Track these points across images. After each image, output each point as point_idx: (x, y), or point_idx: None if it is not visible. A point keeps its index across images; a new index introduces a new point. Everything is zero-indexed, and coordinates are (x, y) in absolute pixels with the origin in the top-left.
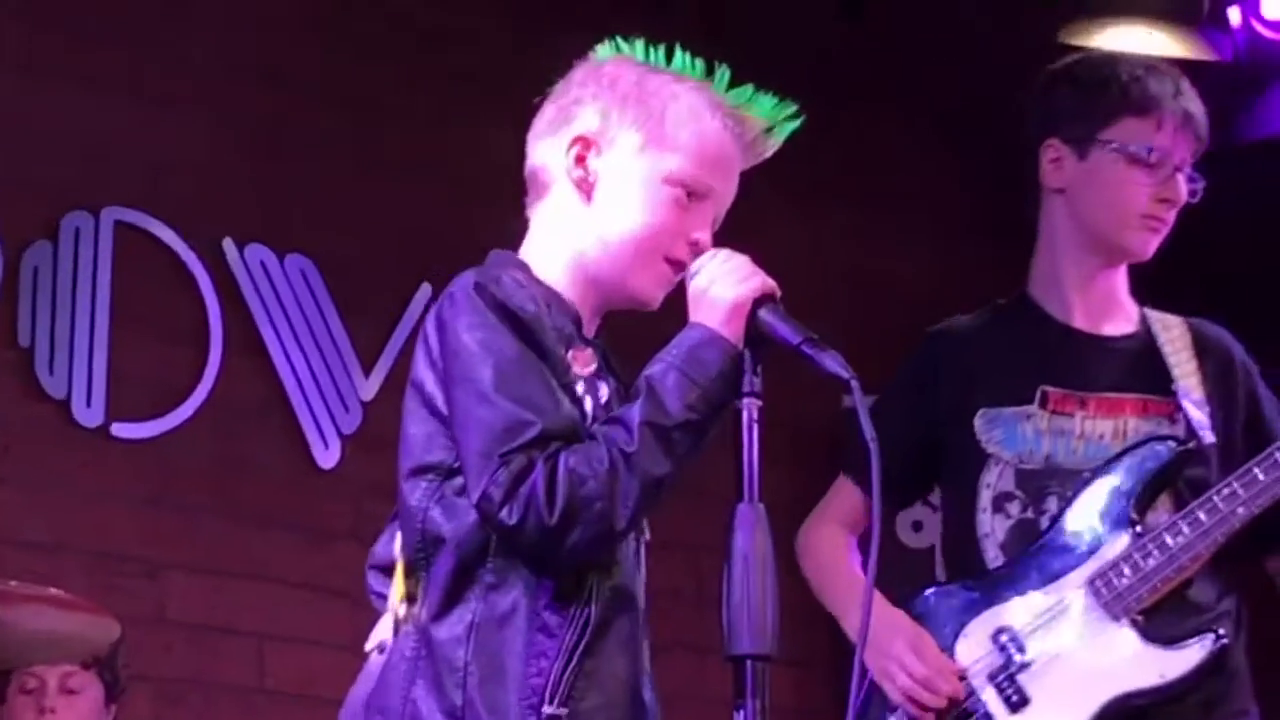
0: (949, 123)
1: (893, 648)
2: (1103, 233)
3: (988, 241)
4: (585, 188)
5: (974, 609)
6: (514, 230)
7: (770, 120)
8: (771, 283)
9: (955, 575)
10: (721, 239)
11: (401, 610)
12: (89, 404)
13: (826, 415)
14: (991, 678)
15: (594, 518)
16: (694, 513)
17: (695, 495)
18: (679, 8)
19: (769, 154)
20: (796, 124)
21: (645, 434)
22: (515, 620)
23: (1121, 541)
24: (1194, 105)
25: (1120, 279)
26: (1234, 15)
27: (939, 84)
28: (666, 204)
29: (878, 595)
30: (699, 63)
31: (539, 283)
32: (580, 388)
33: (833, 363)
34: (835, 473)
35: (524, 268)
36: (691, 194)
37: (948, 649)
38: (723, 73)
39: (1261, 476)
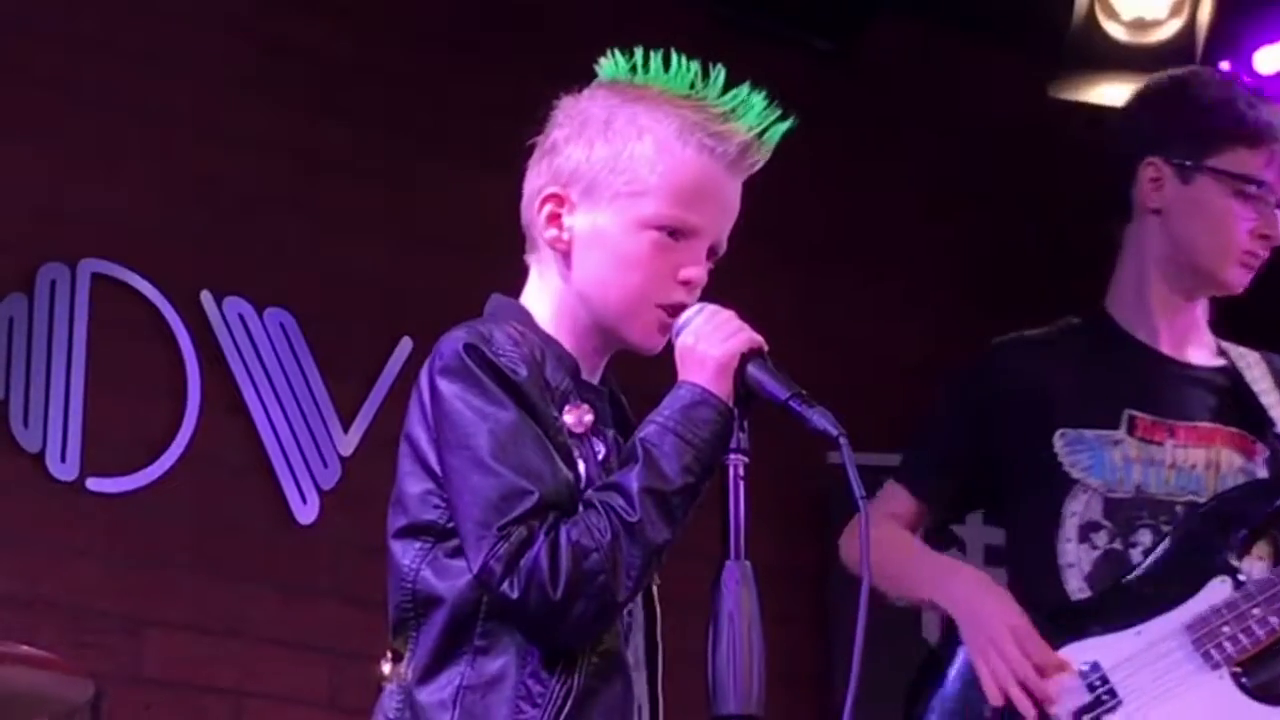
0: (940, 183)
1: (996, 629)
2: (1199, 261)
3: (979, 303)
4: (562, 246)
5: (1056, 640)
6: (494, 283)
7: (759, 125)
8: (757, 337)
9: (1028, 603)
10: (708, 295)
11: (386, 668)
12: (64, 458)
13: (813, 472)
14: (1076, 716)
15: (597, 590)
16: (679, 569)
17: (680, 552)
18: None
19: (763, 161)
20: (787, 125)
21: (646, 502)
22: (501, 687)
23: (1222, 587)
24: None
25: (1203, 308)
26: (1224, 69)
27: (931, 143)
28: (647, 251)
29: (975, 571)
30: (693, 65)
31: (538, 331)
32: (575, 449)
33: (821, 419)
34: (820, 531)
35: (523, 316)
36: (674, 233)
37: None
38: (717, 74)
39: None
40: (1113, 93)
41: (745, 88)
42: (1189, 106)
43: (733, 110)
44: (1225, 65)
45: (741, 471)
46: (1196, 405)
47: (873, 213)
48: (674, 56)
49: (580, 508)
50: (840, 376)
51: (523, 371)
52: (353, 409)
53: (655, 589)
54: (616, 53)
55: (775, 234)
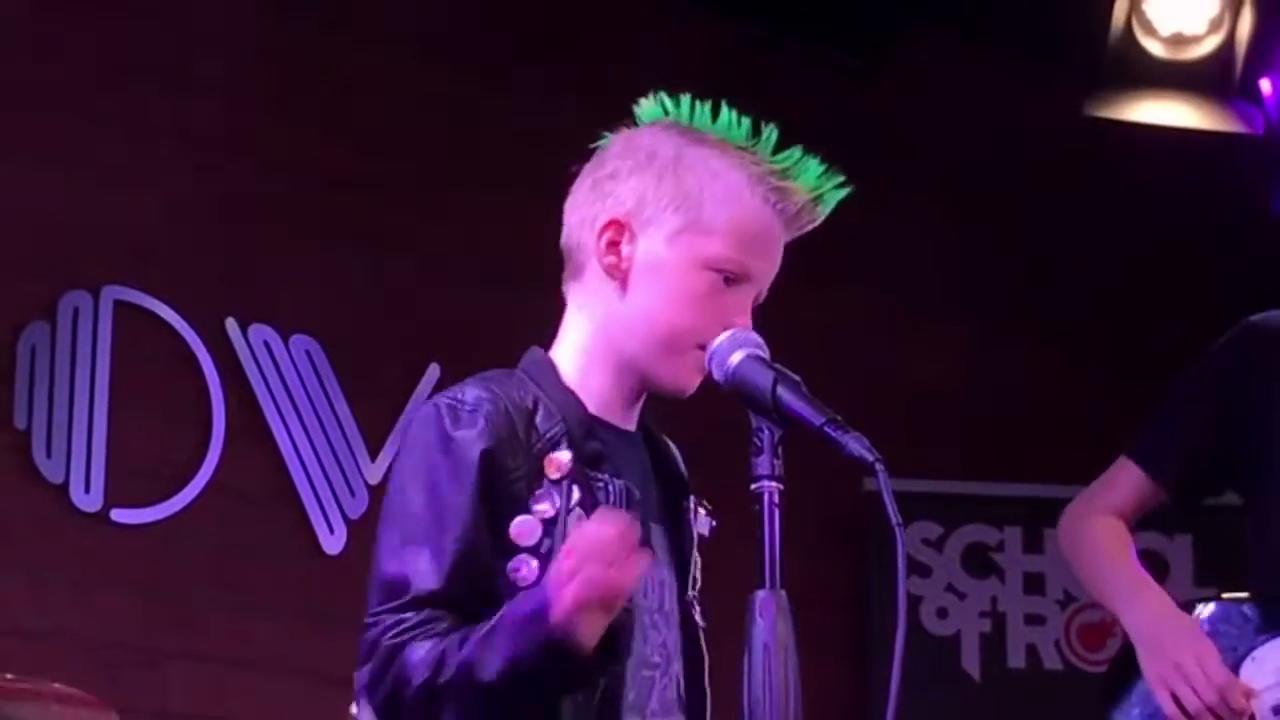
0: (972, 202)
1: (1180, 654)
2: None
3: (1012, 325)
4: (618, 275)
5: (1269, 631)
6: (522, 311)
7: (816, 189)
8: (595, 590)
9: (1262, 590)
10: None
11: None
12: (88, 489)
13: (848, 499)
14: (1275, 711)
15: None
16: (713, 600)
17: (712, 580)
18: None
19: (816, 223)
20: (845, 192)
21: (461, 676)
22: None
23: None
24: None
25: None
26: (1265, 87)
27: (963, 162)
28: (702, 291)
29: (1165, 598)
30: (745, 121)
31: (553, 381)
32: (541, 494)
33: (857, 445)
34: (855, 558)
35: (543, 366)
36: (729, 278)
37: (1231, 669)
38: (769, 133)
39: None
40: (1151, 110)
41: (798, 150)
42: None
43: (791, 169)
44: (1265, 83)
45: (776, 499)
46: None
47: (903, 232)
48: (723, 108)
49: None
50: (869, 401)
51: (480, 424)
52: (380, 437)
53: (701, 635)
54: (663, 96)
55: (801, 254)
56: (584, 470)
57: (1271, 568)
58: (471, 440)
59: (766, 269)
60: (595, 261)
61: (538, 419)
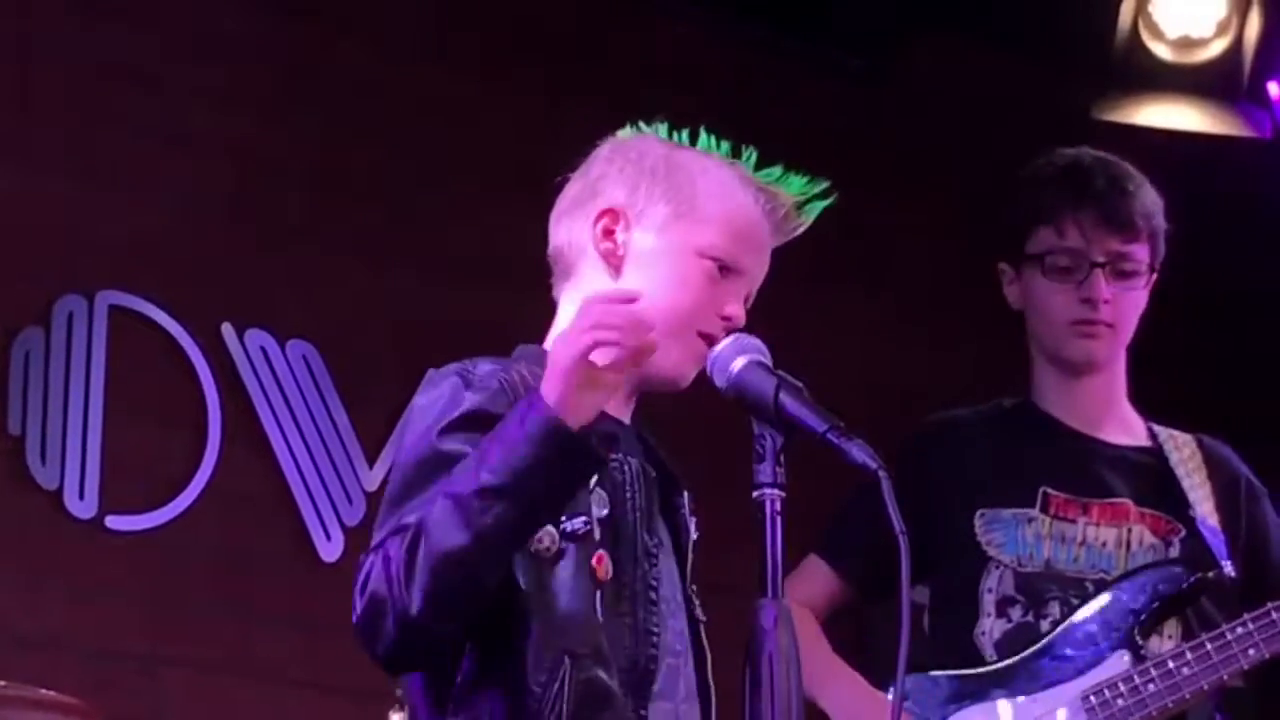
0: (978, 207)
1: None
2: (1046, 348)
3: (1015, 330)
4: (614, 261)
5: (959, 701)
6: (521, 315)
7: (801, 197)
8: (591, 340)
9: (943, 667)
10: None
11: (396, 718)
12: (82, 495)
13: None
14: None
15: (388, 607)
16: (715, 606)
17: (715, 588)
18: (692, 90)
19: (800, 231)
20: (828, 202)
21: (443, 508)
22: None
23: (1122, 660)
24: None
25: (1114, 383)
26: (1273, 90)
27: (967, 165)
28: (698, 277)
29: (859, 679)
30: (724, 144)
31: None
32: None
33: (860, 452)
34: None
35: (540, 355)
36: (724, 268)
37: None
38: (750, 153)
39: (1279, 620)
40: (1158, 114)
41: (779, 169)
42: (1008, 206)
43: (778, 180)
44: (1273, 86)
45: (778, 507)
46: (1112, 483)
47: (905, 234)
48: (702, 133)
49: None
50: (870, 407)
51: (494, 385)
52: (378, 444)
53: (701, 628)
54: (641, 125)
55: (803, 256)
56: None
57: (946, 650)
58: (483, 403)
59: (756, 267)
60: (590, 253)
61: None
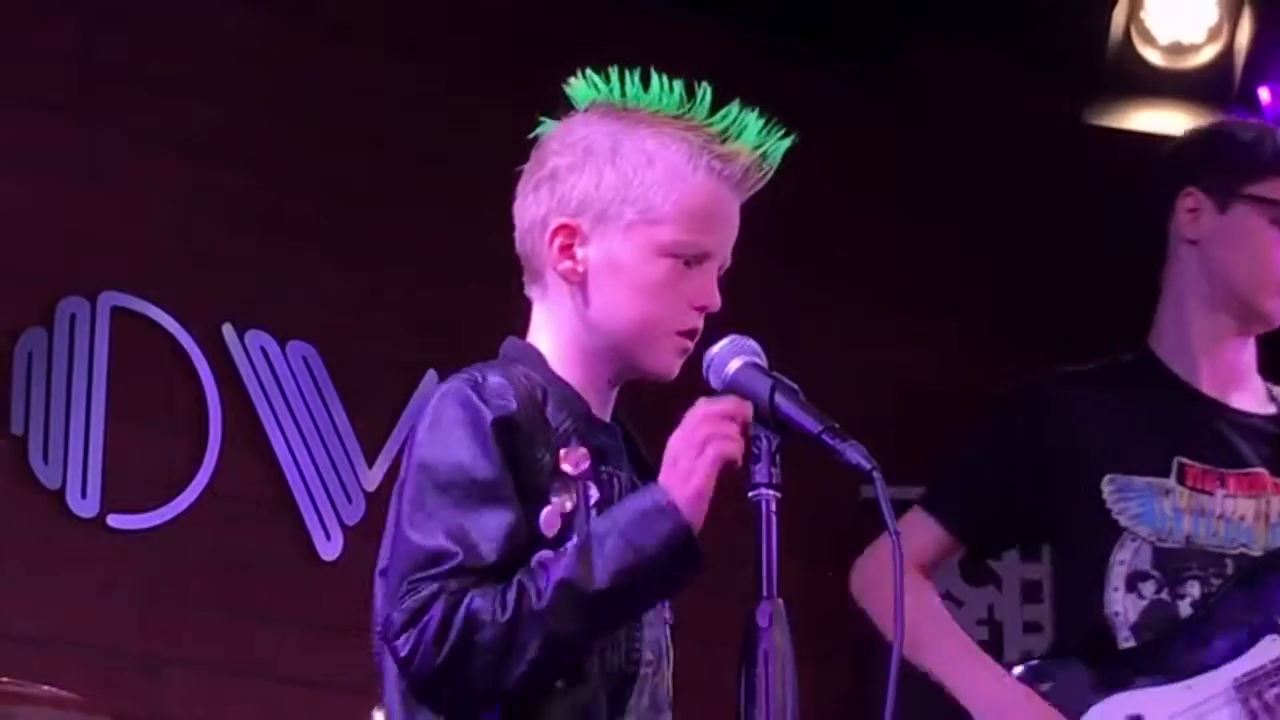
0: (972, 208)
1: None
2: (1237, 292)
3: (1010, 332)
4: (575, 279)
5: (1102, 690)
6: (520, 316)
7: (758, 145)
8: (736, 449)
9: (1072, 650)
10: (725, 313)
11: (379, 716)
12: (84, 494)
13: (845, 507)
14: None
15: (481, 669)
16: (710, 606)
17: (710, 589)
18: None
19: (765, 180)
20: (787, 143)
21: (559, 594)
22: None
23: (1272, 646)
24: None
25: (1250, 349)
26: (1264, 95)
27: (962, 168)
28: (664, 279)
29: (997, 667)
30: (677, 86)
31: (547, 373)
32: (561, 491)
33: (854, 453)
34: (853, 567)
35: (535, 357)
36: (689, 259)
37: None
38: (703, 93)
39: None
40: (1149, 119)
41: (735, 106)
42: (1228, 138)
43: (729, 129)
44: (1264, 91)
45: (774, 507)
46: (1246, 453)
47: (901, 238)
48: (654, 76)
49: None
50: (867, 407)
51: (513, 405)
52: (377, 443)
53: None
54: (590, 73)
55: (799, 260)
56: (597, 466)
57: (1074, 630)
58: (501, 415)
59: (723, 241)
60: (552, 268)
61: (548, 411)
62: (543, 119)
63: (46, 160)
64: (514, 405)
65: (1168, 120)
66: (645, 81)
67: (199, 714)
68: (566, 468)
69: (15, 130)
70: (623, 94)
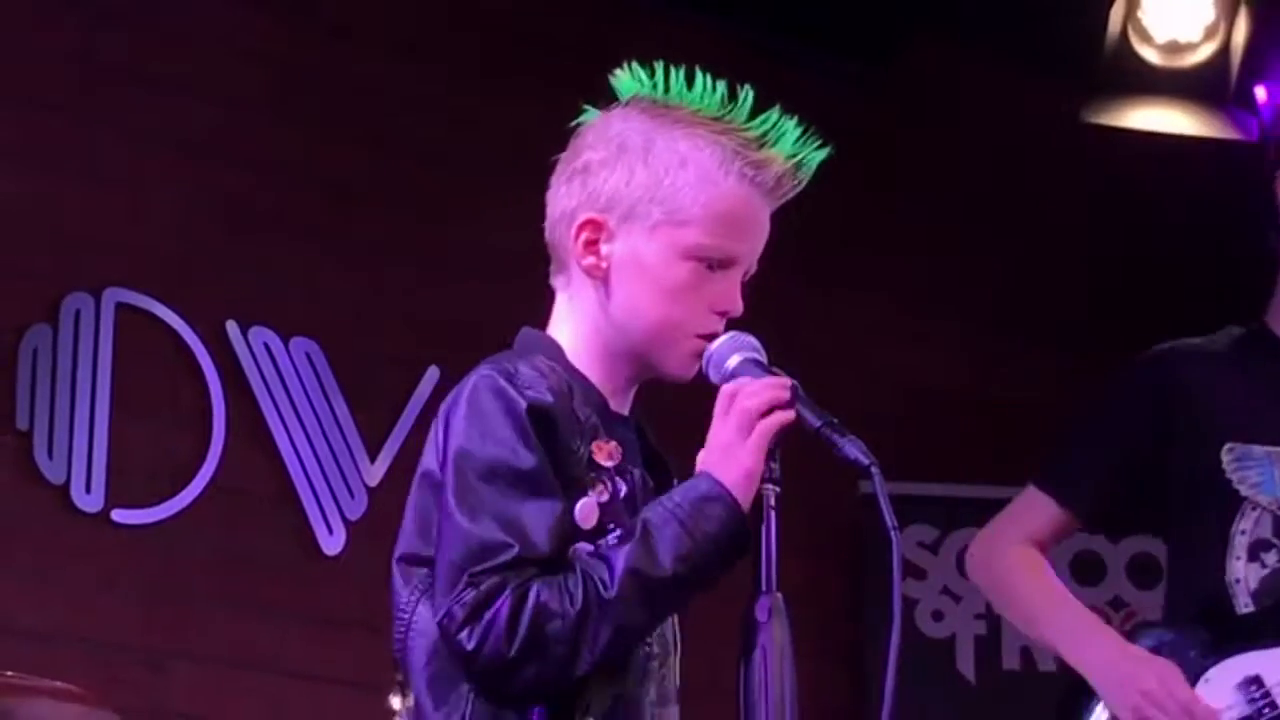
0: (972, 207)
1: (1145, 681)
2: None
3: (1010, 330)
4: (598, 274)
5: (1217, 653)
6: (522, 312)
7: (794, 154)
8: (785, 417)
9: (1188, 617)
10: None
11: (395, 702)
12: (89, 489)
13: (845, 502)
14: None
15: (553, 660)
16: (709, 602)
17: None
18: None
19: (799, 188)
20: (823, 154)
21: (628, 583)
22: None
23: None
24: None
25: None
26: (1260, 94)
27: (963, 168)
28: (687, 281)
29: (1115, 635)
30: (720, 86)
31: (567, 365)
32: (598, 483)
33: (853, 448)
34: (852, 562)
35: (553, 349)
36: (713, 265)
37: None
38: (745, 96)
39: None
40: (1146, 117)
41: (776, 112)
42: None
43: (767, 135)
44: (1260, 90)
45: (773, 501)
46: None
47: (901, 238)
48: (698, 75)
49: (565, 570)
50: (867, 405)
51: (549, 398)
52: (379, 439)
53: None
54: (636, 67)
55: (800, 261)
56: (624, 462)
57: (1192, 597)
58: (538, 409)
59: (751, 248)
60: (577, 262)
61: (575, 404)
62: (586, 107)
63: (48, 159)
64: (549, 397)
65: (1165, 119)
66: (690, 80)
67: (202, 708)
68: (601, 460)
69: (16, 130)
70: (666, 90)
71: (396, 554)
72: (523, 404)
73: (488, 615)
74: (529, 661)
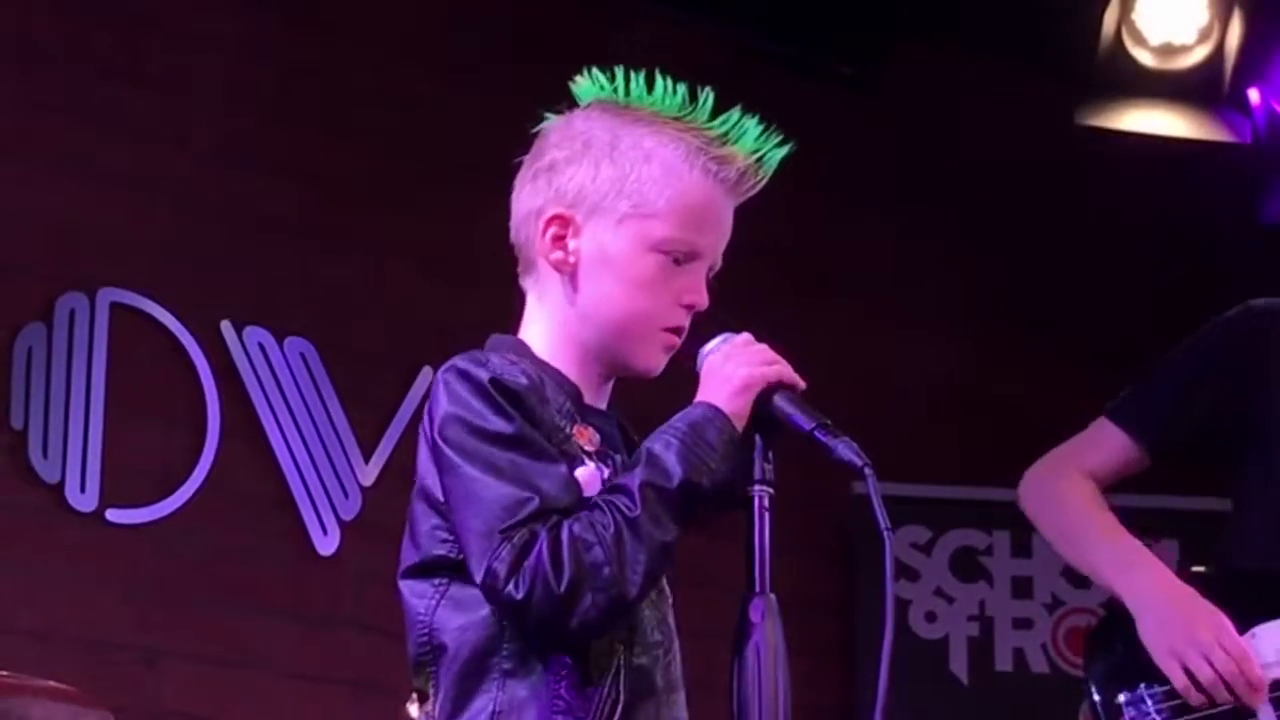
0: (967, 210)
1: (1197, 630)
2: None
3: (1006, 332)
4: (566, 269)
5: (1270, 608)
6: (516, 313)
7: (756, 150)
8: (791, 374)
9: (1242, 569)
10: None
11: (413, 710)
12: (83, 489)
13: (838, 503)
14: (1275, 687)
15: (603, 584)
16: (701, 600)
17: (702, 582)
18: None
19: (759, 187)
20: (785, 151)
21: (648, 496)
22: (536, 704)
23: None
24: None
25: None
26: (1254, 96)
27: (958, 170)
28: (654, 275)
29: (1164, 566)
30: (680, 88)
31: (536, 361)
32: (584, 462)
33: (846, 450)
34: (845, 562)
35: (520, 347)
36: (679, 257)
37: None
38: (705, 97)
39: None
40: (1140, 119)
41: (737, 112)
42: None
43: (729, 133)
44: (1253, 92)
45: (766, 503)
46: None
47: (900, 239)
48: (658, 77)
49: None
50: (861, 407)
51: (523, 380)
52: (374, 439)
53: (672, 618)
54: (595, 72)
55: (796, 262)
56: (605, 448)
57: (1267, 544)
58: (511, 389)
59: (714, 242)
60: (544, 258)
61: (547, 391)
62: (545, 114)
63: (46, 158)
64: (522, 379)
65: (1159, 121)
66: (650, 83)
67: (196, 707)
68: (583, 444)
69: (14, 128)
70: (626, 93)
71: (402, 568)
72: (485, 375)
73: (529, 562)
74: (582, 592)
